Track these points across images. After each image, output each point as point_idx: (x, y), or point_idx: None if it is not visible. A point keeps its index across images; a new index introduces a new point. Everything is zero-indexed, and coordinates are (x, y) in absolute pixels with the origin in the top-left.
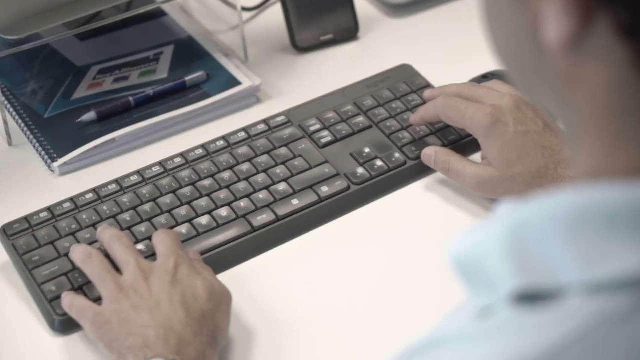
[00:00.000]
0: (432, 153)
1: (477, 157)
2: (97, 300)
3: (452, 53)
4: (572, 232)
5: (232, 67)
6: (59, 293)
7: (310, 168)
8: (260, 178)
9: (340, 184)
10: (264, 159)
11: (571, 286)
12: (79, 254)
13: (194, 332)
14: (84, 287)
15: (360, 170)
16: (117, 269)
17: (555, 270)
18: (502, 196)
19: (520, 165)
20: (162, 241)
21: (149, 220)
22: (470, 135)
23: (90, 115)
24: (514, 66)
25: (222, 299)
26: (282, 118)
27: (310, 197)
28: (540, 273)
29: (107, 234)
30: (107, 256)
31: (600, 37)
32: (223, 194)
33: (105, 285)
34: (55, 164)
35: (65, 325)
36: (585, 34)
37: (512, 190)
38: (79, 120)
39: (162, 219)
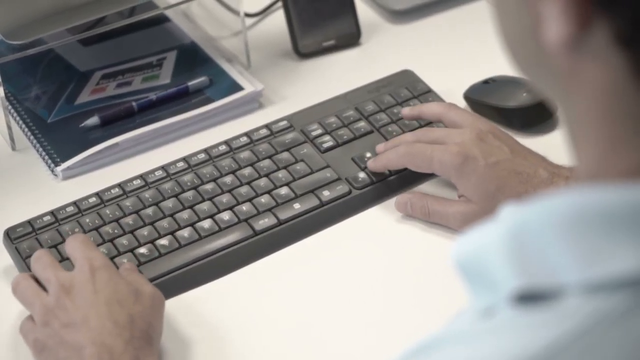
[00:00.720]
0: (406, 200)
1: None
2: None
3: (453, 59)
4: (572, 233)
5: (234, 73)
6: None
7: (312, 172)
8: (262, 182)
9: (341, 189)
10: (266, 163)
11: (570, 286)
12: (12, 284)
13: (124, 340)
14: None
15: (362, 174)
16: None
17: (555, 270)
18: None
19: (501, 196)
20: (73, 247)
21: (152, 224)
22: None
23: (93, 120)
24: (522, 63)
25: (151, 301)
26: (284, 123)
27: (311, 202)
28: (540, 273)
29: (32, 258)
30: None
31: (599, 42)
32: (225, 198)
33: (34, 309)
34: (59, 168)
35: None
36: (584, 37)
37: None
38: (82, 125)
39: (165, 223)
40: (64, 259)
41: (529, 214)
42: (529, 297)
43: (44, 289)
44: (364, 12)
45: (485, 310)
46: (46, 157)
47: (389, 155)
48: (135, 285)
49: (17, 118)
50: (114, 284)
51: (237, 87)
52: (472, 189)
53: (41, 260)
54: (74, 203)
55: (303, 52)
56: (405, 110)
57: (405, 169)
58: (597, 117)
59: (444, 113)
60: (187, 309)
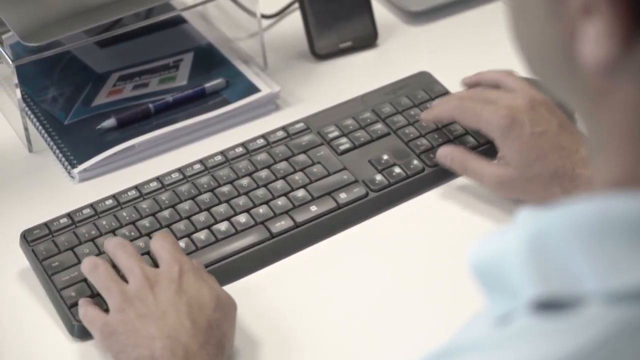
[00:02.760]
0: (448, 152)
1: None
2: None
3: (470, 60)
4: (593, 241)
5: (251, 74)
6: (78, 299)
7: (329, 175)
8: (279, 184)
9: (358, 191)
10: (282, 165)
11: (591, 294)
12: (86, 264)
13: (200, 343)
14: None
15: (379, 177)
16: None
17: (575, 279)
18: (520, 195)
19: (539, 166)
20: (162, 247)
21: (168, 226)
22: (487, 143)
23: (110, 122)
24: (540, 71)
25: (228, 309)
26: (300, 125)
27: (328, 204)
28: (560, 281)
29: (112, 243)
30: (115, 266)
31: (638, 64)
32: (242, 201)
33: (111, 295)
34: (75, 170)
35: (84, 330)
36: (624, 58)
37: (531, 189)
38: (99, 126)
39: (181, 225)
40: (80, 262)
41: (550, 220)
42: (549, 305)
43: (121, 277)
44: (381, 13)
45: (502, 317)
46: (63, 159)
47: (441, 106)
48: (217, 292)
49: (34, 120)
50: (198, 288)
51: (254, 89)
52: (513, 154)
53: (126, 249)
54: (91, 205)
55: (320, 53)
56: (467, 79)
57: (423, 170)
58: (626, 131)
59: (501, 79)
60: None
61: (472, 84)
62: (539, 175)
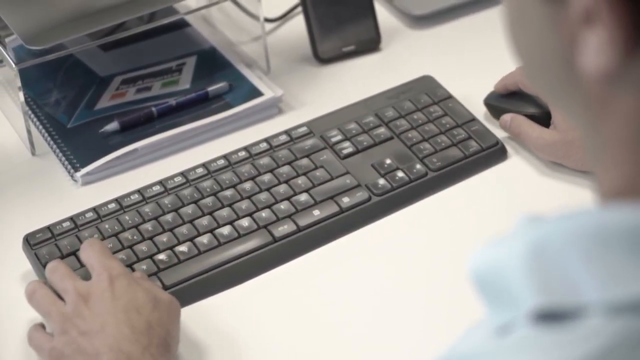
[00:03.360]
0: (508, 119)
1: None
2: None
3: (473, 64)
4: (594, 252)
5: (254, 78)
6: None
7: (332, 179)
8: (282, 189)
9: (361, 195)
10: (285, 169)
11: (592, 306)
12: (26, 291)
13: (143, 346)
14: None
15: (382, 181)
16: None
17: (576, 290)
18: (561, 158)
19: None
20: (89, 256)
21: (171, 230)
22: (490, 147)
23: (113, 126)
24: (539, 80)
25: (169, 307)
26: (303, 129)
27: (331, 208)
28: (561, 292)
29: (46, 268)
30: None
31: (638, 73)
32: (244, 205)
33: (51, 319)
34: (78, 174)
35: None
36: (625, 67)
37: (570, 154)
38: (102, 130)
39: (184, 229)
40: (82, 266)
41: (551, 230)
42: (549, 316)
43: (60, 298)
44: (384, 17)
45: (502, 326)
46: (66, 163)
47: (508, 75)
48: (153, 293)
49: (37, 123)
50: (132, 292)
51: (257, 93)
52: (560, 116)
53: (58, 271)
54: (94, 209)
55: (323, 57)
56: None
57: (426, 175)
58: (627, 141)
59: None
60: (206, 316)
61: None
62: (580, 139)
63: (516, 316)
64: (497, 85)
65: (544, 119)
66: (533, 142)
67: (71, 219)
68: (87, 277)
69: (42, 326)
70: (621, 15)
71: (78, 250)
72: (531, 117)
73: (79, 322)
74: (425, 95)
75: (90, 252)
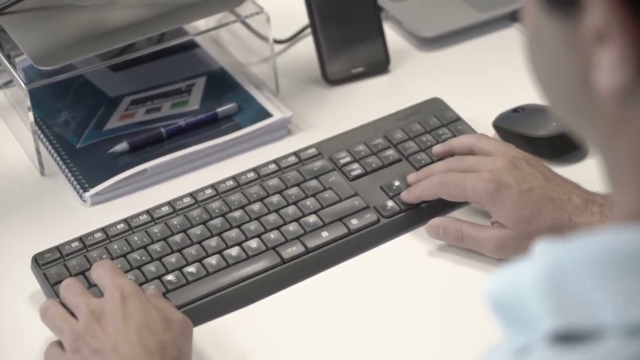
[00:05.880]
0: (439, 224)
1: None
2: None
3: (482, 87)
4: (611, 273)
5: (263, 99)
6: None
7: (340, 200)
8: (290, 210)
9: (370, 217)
10: (294, 191)
11: (609, 327)
12: (40, 310)
13: None
14: None
15: (390, 203)
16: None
17: (593, 311)
18: (522, 256)
19: (535, 222)
20: (100, 275)
21: (180, 251)
22: None
23: (122, 146)
24: (557, 101)
25: (182, 328)
26: (312, 150)
27: (339, 230)
28: (578, 313)
29: (60, 285)
30: None
31: None
32: (253, 226)
33: (64, 336)
34: (87, 194)
35: None
36: (638, 84)
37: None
38: (111, 150)
39: (192, 250)
40: (91, 286)
41: (567, 252)
42: (567, 338)
43: (73, 315)
44: (393, 39)
45: (520, 349)
46: (75, 183)
47: (422, 185)
48: (165, 312)
49: (47, 143)
50: (144, 311)
51: (266, 114)
52: (506, 215)
53: (70, 288)
54: (102, 229)
55: (332, 79)
56: (437, 148)
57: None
58: None
59: (474, 144)
60: (214, 337)
61: (446, 152)
62: (538, 231)
63: (534, 338)
64: (407, 196)
65: (555, 141)
66: (485, 245)
67: (80, 239)
68: (99, 295)
69: (60, 344)
70: (632, 33)
71: (87, 270)
72: (544, 140)
73: (91, 341)
74: (434, 117)
75: (102, 270)
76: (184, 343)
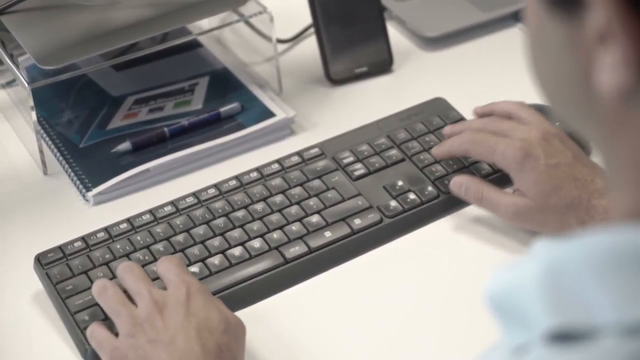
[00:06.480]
0: (462, 182)
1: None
2: None
3: (486, 86)
4: (609, 273)
5: (266, 99)
6: (91, 322)
7: (343, 200)
8: (293, 210)
9: (373, 217)
10: (297, 190)
11: (607, 327)
12: (95, 287)
13: None
14: None
15: (393, 203)
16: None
17: (591, 310)
18: (536, 226)
19: (555, 197)
20: (168, 269)
21: (182, 250)
22: (501, 169)
23: (125, 146)
24: (558, 101)
25: (237, 332)
26: (315, 150)
27: (342, 230)
28: (575, 313)
29: (120, 266)
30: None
31: None
32: (256, 226)
33: (120, 319)
34: (90, 194)
35: (97, 355)
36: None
37: (547, 220)
38: (114, 150)
39: (195, 250)
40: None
41: (566, 252)
42: (564, 337)
43: (131, 300)
44: (396, 38)
45: (518, 348)
46: (78, 182)
47: (452, 141)
48: (225, 314)
49: (49, 142)
50: (207, 310)
51: (269, 114)
52: (528, 185)
53: (133, 272)
54: (105, 229)
55: (335, 78)
56: (477, 109)
57: (438, 197)
58: None
59: (514, 111)
60: None
61: (484, 114)
62: (555, 206)
63: (532, 337)
64: (437, 150)
65: None
66: (502, 210)
67: (83, 238)
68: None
69: (107, 327)
70: (635, 34)
71: (89, 270)
72: None
73: (148, 330)
74: (437, 117)
75: (169, 265)
76: (239, 348)
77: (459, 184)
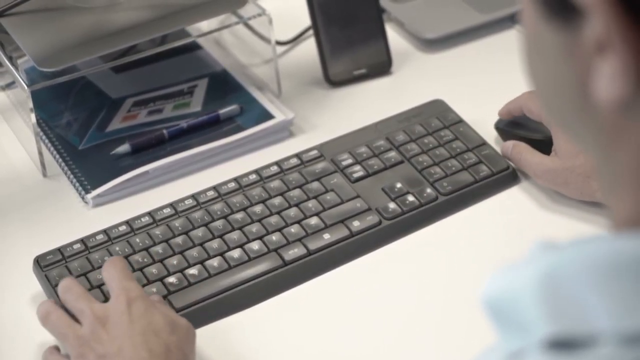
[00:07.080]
0: (510, 145)
1: None
2: None
3: (484, 88)
4: (607, 280)
5: (265, 101)
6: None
7: (342, 202)
8: (292, 212)
9: (371, 219)
10: (296, 192)
11: (604, 334)
12: (39, 313)
13: None
14: None
15: (392, 205)
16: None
17: (589, 318)
18: (561, 186)
19: (582, 157)
20: (111, 276)
21: (181, 253)
22: (501, 172)
23: (124, 148)
24: (554, 108)
25: (186, 332)
26: (314, 152)
27: (341, 232)
28: (573, 320)
29: (59, 287)
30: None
31: None
32: (255, 228)
33: (68, 342)
34: (89, 196)
35: None
36: (638, 96)
37: (571, 180)
38: (113, 152)
39: (194, 252)
40: (93, 287)
41: (564, 258)
42: (561, 344)
43: (75, 319)
44: (395, 40)
45: (514, 353)
46: (77, 184)
47: (512, 101)
48: (170, 317)
49: (49, 144)
50: (150, 315)
51: (268, 116)
52: (562, 142)
53: (72, 291)
54: (104, 231)
55: (334, 80)
56: (503, 110)
57: (436, 199)
58: (638, 170)
59: (525, 104)
60: (216, 339)
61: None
62: (581, 167)
63: (528, 343)
64: (501, 111)
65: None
66: (533, 168)
67: (82, 240)
68: (99, 298)
69: (57, 348)
70: (634, 44)
71: (89, 272)
72: (543, 142)
73: (96, 346)
74: (436, 119)
75: (113, 271)
76: (189, 347)
77: (509, 145)
